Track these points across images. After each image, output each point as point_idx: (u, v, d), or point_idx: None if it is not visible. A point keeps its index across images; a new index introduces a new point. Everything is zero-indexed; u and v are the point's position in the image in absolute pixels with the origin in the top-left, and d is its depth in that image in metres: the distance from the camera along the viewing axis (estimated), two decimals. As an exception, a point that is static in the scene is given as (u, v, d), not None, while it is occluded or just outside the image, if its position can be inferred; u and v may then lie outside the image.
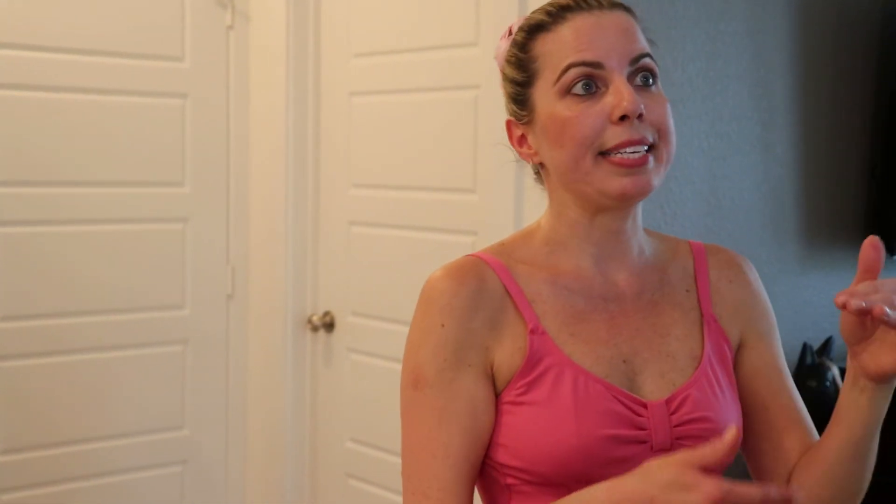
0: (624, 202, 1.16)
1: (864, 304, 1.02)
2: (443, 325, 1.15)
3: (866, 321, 1.09)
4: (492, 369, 1.16)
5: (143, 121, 3.05)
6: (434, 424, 1.14)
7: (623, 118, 1.12)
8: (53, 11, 2.89)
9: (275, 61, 3.08)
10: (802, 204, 2.75)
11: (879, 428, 1.16)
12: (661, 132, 1.15)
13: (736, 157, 2.56)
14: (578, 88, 1.14)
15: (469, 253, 1.25)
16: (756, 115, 2.60)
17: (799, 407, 1.28)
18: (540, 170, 1.25)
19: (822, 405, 2.44)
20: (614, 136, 1.12)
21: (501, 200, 2.47)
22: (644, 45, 1.17)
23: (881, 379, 1.10)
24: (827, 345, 2.61)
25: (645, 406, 1.15)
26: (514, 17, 2.38)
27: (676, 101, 2.44)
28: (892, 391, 1.14)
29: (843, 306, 1.03)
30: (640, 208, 1.24)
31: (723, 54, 2.51)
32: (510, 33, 1.25)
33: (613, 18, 1.16)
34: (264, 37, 3.14)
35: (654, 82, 1.17)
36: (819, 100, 2.77)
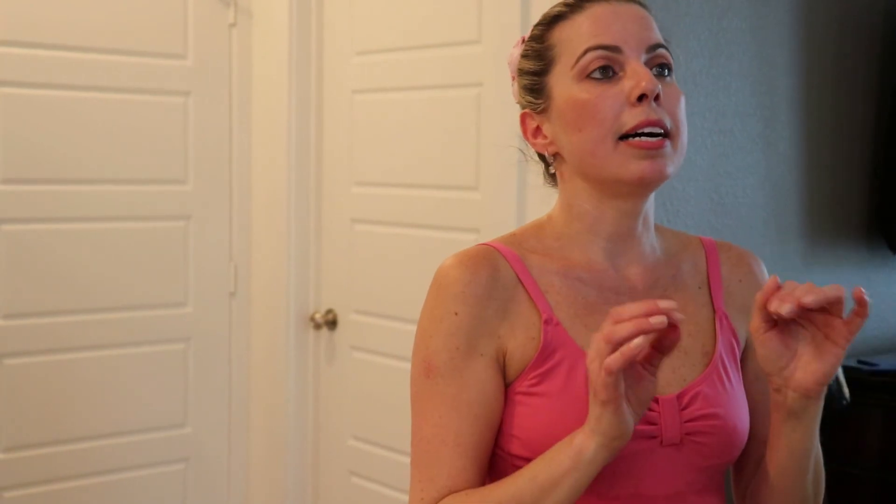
0: (641, 187, 1.16)
1: (808, 301, 1.01)
2: (456, 313, 1.15)
3: (787, 339, 1.07)
4: (503, 358, 1.16)
5: (146, 118, 3.05)
6: (445, 412, 1.14)
7: (641, 98, 1.12)
8: (56, 9, 2.89)
9: (277, 59, 3.08)
10: (805, 201, 2.75)
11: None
12: (675, 121, 1.15)
13: (739, 154, 2.56)
14: (596, 72, 1.15)
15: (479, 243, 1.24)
16: (759, 112, 2.60)
17: None
18: (552, 162, 1.24)
19: (825, 403, 2.44)
20: (632, 116, 1.13)
21: (504, 198, 2.47)
22: (660, 36, 1.19)
23: (820, 388, 1.08)
24: (830, 342, 2.60)
25: (657, 401, 1.14)
26: (516, 15, 2.38)
27: (679, 98, 2.43)
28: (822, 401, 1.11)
29: (779, 312, 1.02)
30: (652, 206, 1.23)
31: (726, 51, 2.50)
32: (523, 41, 1.26)
33: (630, 9, 1.18)
34: (267, 34, 3.13)
35: (670, 74, 1.18)
36: (822, 97, 2.76)
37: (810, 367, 1.07)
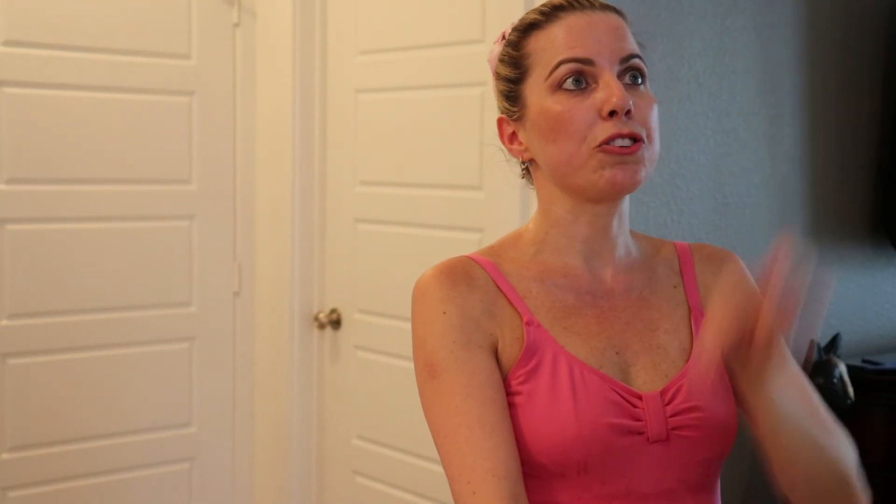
0: (613, 193, 1.18)
1: None
2: (444, 313, 1.16)
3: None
4: (496, 354, 1.17)
5: (150, 118, 3.05)
6: (461, 401, 1.13)
7: (612, 113, 1.14)
8: (59, 9, 2.89)
9: (281, 58, 3.08)
10: (810, 200, 2.74)
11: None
12: (647, 130, 1.17)
13: (743, 153, 2.56)
14: (569, 84, 1.17)
15: (466, 254, 1.26)
16: (763, 111, 2.60)
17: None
18: (529, 167, 1.28)
19: (829, 402, 2.44)
20: (604, 130, 1.15)
21: (507, 197, 2.47)
22: (634, 46, 1.20)
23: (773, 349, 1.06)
24: (834, 342, 2.61)
25: (640, 398, 1.16)
26: (519, 14, 2.37)
27: (683, 97, 2.44)
28: None
29: None
30: (627, 209, 1.25)
31: (730, 50, 2.50)
32: (503, 38, 1.28)
33: (605, 18, 1.20)
34: (271, 34, 3.14)
35: (643, 82, 1.20)
36: (826, 95, 2.76)
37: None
